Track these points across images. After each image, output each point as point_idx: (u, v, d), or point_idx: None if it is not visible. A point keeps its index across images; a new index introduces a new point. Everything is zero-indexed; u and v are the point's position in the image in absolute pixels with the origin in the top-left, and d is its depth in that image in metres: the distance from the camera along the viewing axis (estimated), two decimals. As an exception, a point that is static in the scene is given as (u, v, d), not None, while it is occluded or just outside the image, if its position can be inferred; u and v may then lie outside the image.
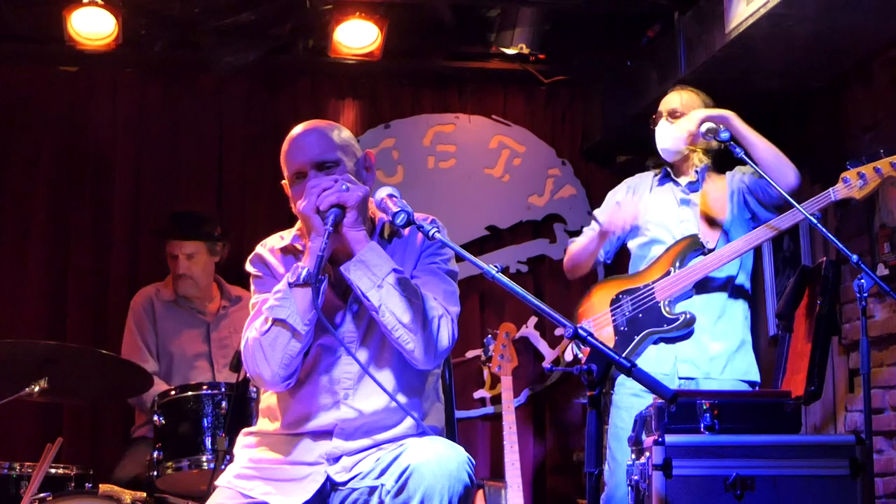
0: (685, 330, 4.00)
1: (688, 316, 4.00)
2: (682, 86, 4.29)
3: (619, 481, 3.91)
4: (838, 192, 3.81)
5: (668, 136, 4.16)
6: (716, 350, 4.02)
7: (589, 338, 2.36)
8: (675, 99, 4.21)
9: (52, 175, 5.67)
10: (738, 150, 3.89)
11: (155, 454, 3.98)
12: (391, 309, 2.72)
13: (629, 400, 4.00)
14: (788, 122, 5.29)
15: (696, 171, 4.17)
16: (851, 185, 3.79)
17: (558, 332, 5.79)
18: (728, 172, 4.20)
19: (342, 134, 2.91)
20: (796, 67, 4.81)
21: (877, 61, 4.68)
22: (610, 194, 4.40)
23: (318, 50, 5.64)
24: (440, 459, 2.61)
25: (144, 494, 3.98)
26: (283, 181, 2.93)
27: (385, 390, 2.75)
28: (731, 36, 4.52)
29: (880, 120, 4.68)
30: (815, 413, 5.03)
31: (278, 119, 5.63)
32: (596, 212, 4.36)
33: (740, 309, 4.12)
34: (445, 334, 2.78)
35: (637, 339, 4.03)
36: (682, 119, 4.11)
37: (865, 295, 3.58)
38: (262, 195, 5.66)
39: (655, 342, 4.04)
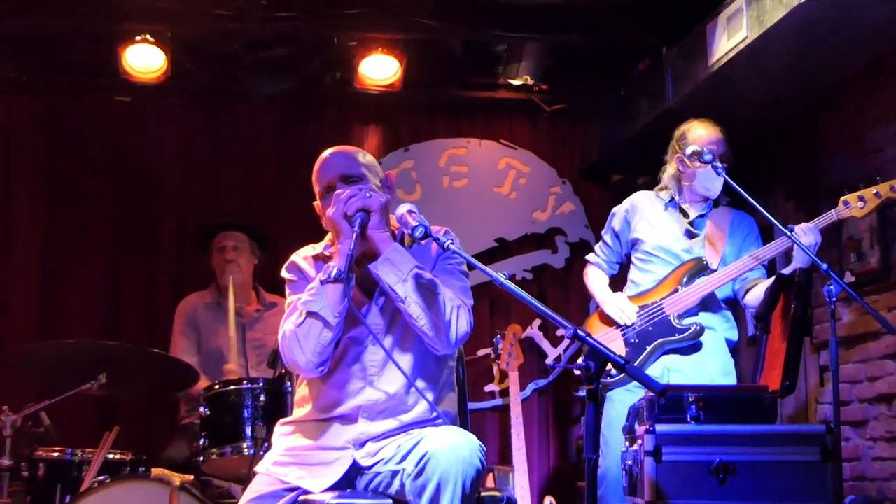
0: (695, 340, 3.98)
1: (697, 327, 3.98)
2: (705, 120, 4.10)
3: (611, 464, 3.93)
4: (841, 212, 3.83)
5: (716, 183, 4.05)
6: (707, 365, 4.00)
7: (587, 338, 2.36)
8: (715, 133, 4.05)
9: (108, 193, 5.75)
10: (720, 169, 3.90)
11: (201, 441, 4.00)
12: (415, 300, 2.77)
13: (622, 394, 4.01)
14: (767, 146, 5.29)
15: (704, 206, 4.12)
16: (852, 206, 3.81)
17: (559, 332, 5.81)
18: (734, 211, 4.15)
19: (366, 156, 3.00)
20: (773, 97, 4.80)
21: (845, 90, 4.68)
22: (612, 216, 4.31)
23: (344, 81, 5.68)
24: (455, 446, 2.64)
25: (192, 477, 4.01)
26: (315, 202, 2.98)
27: (405, 374, 2.82)
28: (714, 68, 4.52)
29: (847, 144, 4.69)
30: (789, 405, 5.03)
31: (308, 144, 5.57)
32: (605, 235, 4.34)
33: (731, 330, 4.13)
34: (464, 321, 2.83)
35: (649, 349, 4.01)
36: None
37: (835, 300, 3.58)
38: (294, 212, 5.67)
39: (666, 352, 4.01)
